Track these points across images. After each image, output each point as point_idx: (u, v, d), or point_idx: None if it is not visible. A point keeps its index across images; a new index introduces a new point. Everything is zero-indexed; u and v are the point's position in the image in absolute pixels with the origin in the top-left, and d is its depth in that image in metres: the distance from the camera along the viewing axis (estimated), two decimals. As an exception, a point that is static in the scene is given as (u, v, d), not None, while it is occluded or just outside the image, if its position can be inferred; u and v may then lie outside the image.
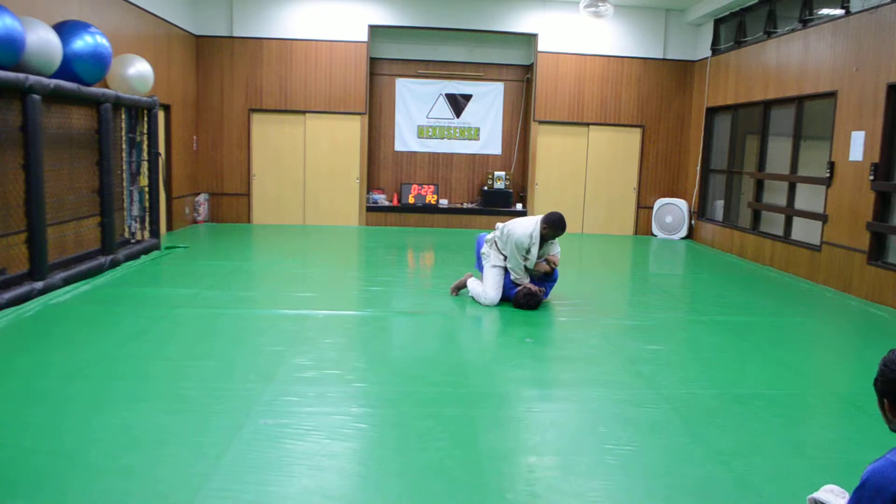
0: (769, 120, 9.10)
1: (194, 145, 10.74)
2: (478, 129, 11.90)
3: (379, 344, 4.89)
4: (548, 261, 5.91)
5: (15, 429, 3.15)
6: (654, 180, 11.60)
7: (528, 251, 5.74)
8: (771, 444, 3.27)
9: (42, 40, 5.61)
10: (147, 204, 7.95)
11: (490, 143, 11.96)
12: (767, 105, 9.08)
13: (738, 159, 10.06)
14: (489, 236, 6.06)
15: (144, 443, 3.04)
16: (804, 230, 8.20)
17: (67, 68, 6.14)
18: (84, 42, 6.28)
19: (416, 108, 11.76)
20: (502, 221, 6.01)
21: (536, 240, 5.71)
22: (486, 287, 5.92)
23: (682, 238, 11.24)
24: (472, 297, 6.05)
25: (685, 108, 11.44)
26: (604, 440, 3.26)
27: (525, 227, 5.73)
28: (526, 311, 5.77)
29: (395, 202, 11.63)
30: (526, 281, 5.84)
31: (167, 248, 8.24)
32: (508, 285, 5.92)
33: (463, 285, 6.23)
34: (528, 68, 11.68)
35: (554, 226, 5.70)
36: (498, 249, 5.92)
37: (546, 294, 6.03)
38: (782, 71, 8.63)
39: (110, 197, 6.77)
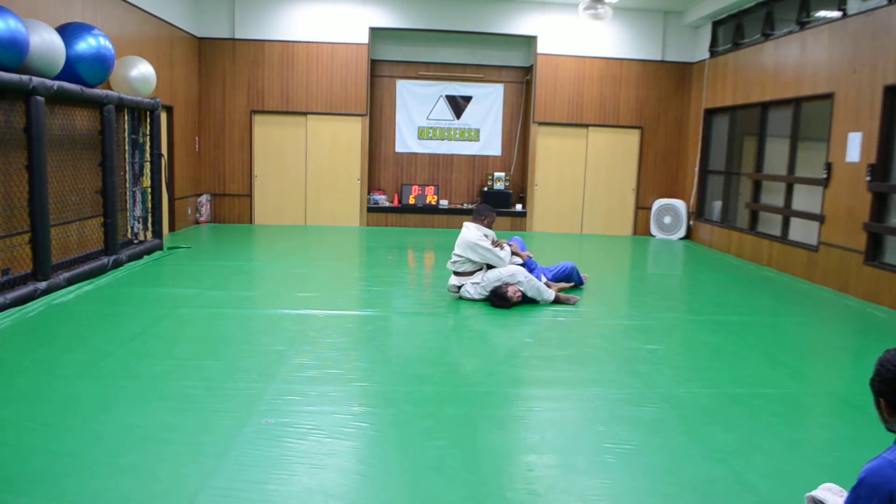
0: (767, 121, 9.14)
1: (196, 146, 10.78)
2: (478, 131, 11.94)
3: (379, 344, 4.93)
4: (517, 253, 6.37)
5: (18, 428, 3.19)
6: (652, 181, 11.64)
7: (482, 239, 6.11)
8: (769, 443, 3.31)
9: (45, 42, 5.64)
10: (150, 205, 8.00)
11: (490, 144, 12.00)
12: (765, 106, 9.12)
13: (736, 160, 10.10)
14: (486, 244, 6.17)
15: (147, 441, 3.07)
16: (802, 231, 8.24)
17: (71, 70, 6.17)
18: (87, 44, 6.31)
19: (417, 110, 11.80)
20: (496, 225, 6.19)
21: (484, 231, 6.20)
22: (503, 254, 6.11)
23: (681, 238, 11.28)
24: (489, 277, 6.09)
25: (683, 110, 11.48)
26: (603, 439, 3.29)
27: (473, 233, 6.13)
28: (524, 310, 5.84)
29: (396, 203, 11.67)
30: (507, 260, 6.07)
31: (170, 248, 8.28)
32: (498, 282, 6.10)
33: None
34: (528, 70, 11.72)
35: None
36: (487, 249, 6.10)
37: (539, 277, 6.28)
38: (780, 73, 8.67)
39: (113, 198, 6.81)
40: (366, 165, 11.28)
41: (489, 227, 6.27)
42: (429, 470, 2.91)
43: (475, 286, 6.10)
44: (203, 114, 10.89)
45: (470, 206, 11.73)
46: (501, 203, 11.55)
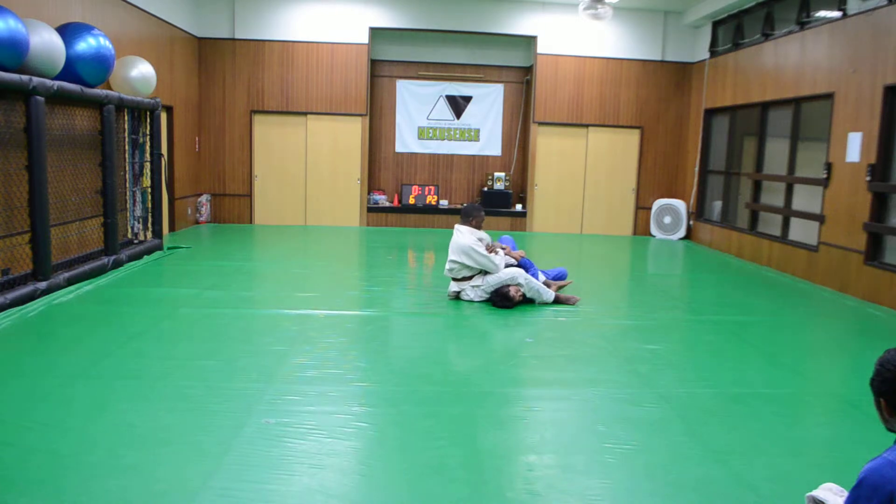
0: (767, 121, 9.14)
1: (196, 146, 10.78)
2: (478, 131, 11.94)
3: (380, 344, 4.93)
4: (509, 255, 6.33)
5: (17, 428, 3.18)
6: (652, 181, 11.64)
7: (477, 244, 6.06)
8: (769, 443, 3.31)
9: (46, 42, 5.64)
10: (150, 205, 8.00)
11: (490, 144, 12.00)
12: (765, 106, 9.12)
13: (736, 160, 10.10)
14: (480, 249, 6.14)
15: (146, 442, 3.07)
16: (802, 231, 8.24)
17: (71, 70, 6.17)
18: (87, 44, 6.32)
19: (417, 110, 11.80)
20: (491, 226, 6.12)
21: (479, 235, 6.17)
22: (498, 261, 6.08)
23: (681, 238, 11.28)
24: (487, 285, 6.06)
25: (684, 110, 11.48)
26: (603, 439, 3.29)
27: (468, 238, 6.07)
28: (524, 310, 5.84)
29: (396, 203, 11.67)
30: (501, 266, 6.03)
31: (169, 248, 8.28)
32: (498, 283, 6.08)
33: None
34: (528, 70, 11.72)
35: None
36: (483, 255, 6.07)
37: (536, 276, 6.24)
38: (780, 72, 8.67)
39: (113, 198, 6.81)
40: (366, 165, 11.28)
41: (478, 227, 6.24)
42: (429, 470, 2.91)
43: (475, 289, 6.09)
44: (203, 114, 10.89)
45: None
46: (501, 203, 11.55)
